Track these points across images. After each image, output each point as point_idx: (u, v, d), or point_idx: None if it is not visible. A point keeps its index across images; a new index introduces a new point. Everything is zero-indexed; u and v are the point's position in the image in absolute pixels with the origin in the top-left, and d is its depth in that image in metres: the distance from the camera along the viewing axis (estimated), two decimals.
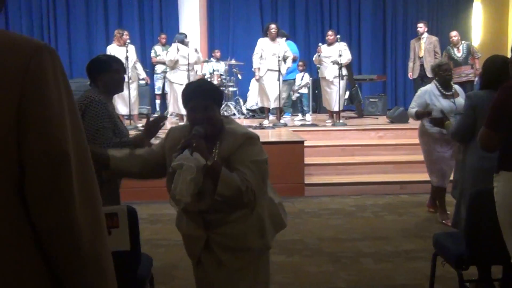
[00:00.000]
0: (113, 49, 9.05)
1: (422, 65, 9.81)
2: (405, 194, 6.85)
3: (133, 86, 9.07)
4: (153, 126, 3.26)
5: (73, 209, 1.04)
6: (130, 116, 9.03)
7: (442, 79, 5.33)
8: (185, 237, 2.55)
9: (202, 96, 2.35)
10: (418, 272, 4.16)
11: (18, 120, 1.02)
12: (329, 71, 9.01)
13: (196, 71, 9.42)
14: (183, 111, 8.97)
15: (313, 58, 9.47)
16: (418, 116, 5.32)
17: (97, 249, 1.09)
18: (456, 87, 5.54)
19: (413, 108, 5.43)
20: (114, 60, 3.36)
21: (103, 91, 3.19)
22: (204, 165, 2.20)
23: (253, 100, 10.76)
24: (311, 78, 10.46)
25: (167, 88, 10.90)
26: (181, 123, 9.07)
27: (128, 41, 9.09)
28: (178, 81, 8.96)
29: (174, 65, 9.08)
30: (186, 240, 2.56)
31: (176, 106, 9.13)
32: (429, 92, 5.36)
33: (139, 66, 9.42)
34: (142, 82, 10.05)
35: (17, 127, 1.02)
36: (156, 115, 11.19)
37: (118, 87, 3.31)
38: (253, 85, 10.54)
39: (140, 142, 3.15)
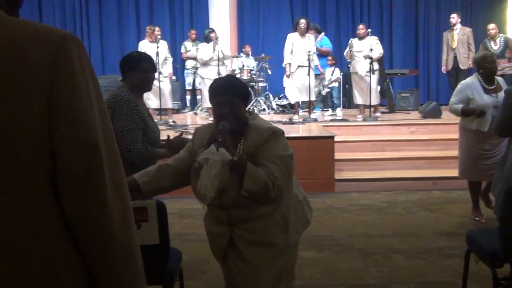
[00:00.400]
0: (144, 45, 9.15)
1: (455, 57, 9.63)
2: (438, 190, 6.74)
3: (166, 81, 9.14)
4: (177, 145, 3.24)
5: (106, 198, 1.05)
6: (160, 111, 9.11)
7: (487, 72, 5.10)
8: (209, 234, 2.55)
9: (227, 91, 2.36)
10: (451, 269, 4.08)
11: (49, 109, 1.02)
12: (360, 66, 8.93)
13: (226, 66, 9.42)
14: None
15: (344, 53, 9.39)
16: (465, 113, 5.11)
17: (128, 237, 1.10)
18: (499, 79, 5.30)
19: (455, 103, 5.20)
20: (145, 58, 3.36)
21: (131, 89, 3.21)
22: (230, 160, 2.20)
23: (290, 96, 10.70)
24: (341, 73, 10.36)
25: (197, 84, 10.99)
26: (211, 118, 9.11)
27: (159, 37, 9.16)
28: (209, 76, 8.99)
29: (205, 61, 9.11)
30: (210, 237, 2.56)
31: (205, 101, 9.19)
32: (471, 86, 5.15)
33: (169, 62, 9.49)
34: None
35: (48, 116, 1.02)
36: (186, 110, 11.28)
37: (145, 86, 3.31)
38: (286, 81, 10.50)
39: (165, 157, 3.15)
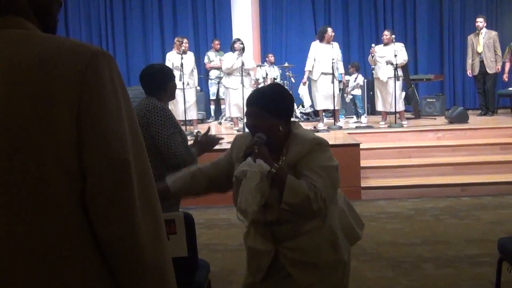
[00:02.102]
0: (172, 56, 9.25)
1: (481, 62, 9.49)
2: (467, 196, 6.63)
3: (191, 92, 9.22)
4: (207, 143, 3.30)
5: (135, 217, 1.04)
6: (185, 122, 9.19)
7: None
8: (250, 250, 2.42)
9: (251, 103, 2.29)
10: (483, 278, 4.00)
11: (78, 126, 1.02)
12: (382, 72, 8.87)
13: (250, 76, 9.44)
14: (236, 115, 9.05)
15: (368, 59, 9.35)
16: None
17: (159, 257, 1.08)
18: None
19: None
20: (167, 69, 3.44)
21: (159, 99, 3.25)
22: (269, 172, 2.13)
23: (307, 103, 10.71)
24: (365, 80, 10.30)
25: (221, 93, 11.05)
26: (235, 128, 9.14)
27: (183, 48, 9.25)
28: (232, 86, 9.02)
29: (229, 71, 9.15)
30: (252, 255, 2.42)
31: (229, 111, 9.21)
32: None
33: (195, 73, 9.56)
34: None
35: (77, 133, 1.02)
36: (210, 120, 11.34)
37: (172, 95, 3.39)
38: (301, 88, 10.51)
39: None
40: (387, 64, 8.75)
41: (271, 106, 2.27)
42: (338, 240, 2.29)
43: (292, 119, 2.34)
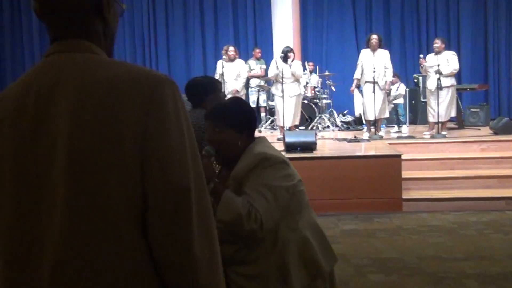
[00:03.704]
0: (218, 64, 9.33)
1: None
2: (511, 210, 6.47)
3: None
4: None
5: (193, 244, 1.06)
6: None
7: None
8: None
9: (213, 117, 2.23)
10: None
11: (142, 152, 1.05)
12: (431, 81, 8.75)
13: (299, 84, 9.39)
14: (282, 123, 9.05)
15: (421, 71, 9.23)
16: None
17: (213, 278, 1.11)
18: None
19: None
20: (215, 80, 3.49)
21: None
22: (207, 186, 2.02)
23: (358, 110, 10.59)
24: (407, 89, 10.18)
25: (261, 101, 11.10)
26: (281, 135, 9.12)
27: (227, 56, 9.31)
28: (277, 93, 9.04)
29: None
30: None
31: (277, 119, 9.22)
32: None
33: (240, 80, 9.61)
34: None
35: (140, 159, 1.05)
36: None
37: None
38: (356, 97, 10.42)
39: None
40: (435, 73, 8.60)
41: (229, 121, 2.19)
42: (290, 272, 2.07)
43: (258, 134, 2.26)
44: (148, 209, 1.06)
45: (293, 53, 8.95)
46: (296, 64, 8.93)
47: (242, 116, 2.23)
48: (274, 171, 2.08)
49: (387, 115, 9.29)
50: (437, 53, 8.76)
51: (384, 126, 10.47)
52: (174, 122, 1.08)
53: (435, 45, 8.79)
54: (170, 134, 1.07)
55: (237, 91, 9.90)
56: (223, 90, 8.73)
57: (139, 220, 1.07)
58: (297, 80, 8.96)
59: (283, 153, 6.85)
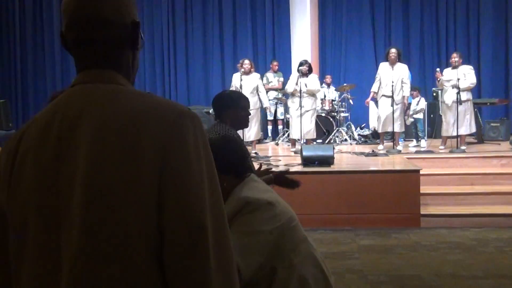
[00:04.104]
0: (235, 78, 9.31)
1: None
2: None
3: (253, 113, 9.23)
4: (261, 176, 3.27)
5: (209, 279, 1.05)
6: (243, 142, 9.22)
7: None
8: None
9: None
10: None
11: (160, 186, 1.04)
12: (448, 95, 8.68)
13: (316, 98, 9.36)
14: (295, 136, 9.05)
15: (438, 84, 9.17)
16: None
17: None
18: None
19: None
20: (242, 96, 3.41)
21: (231, 126, 3.24)
22: None
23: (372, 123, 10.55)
24: (426, 103, 10.12)
25: (279, 114, 11.12)
26: (292, 149, 9.13)
27: (242, 69, 9.32)
28: (293, 107, 9.04)
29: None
30: None
31: (291, 132, 9.21)
32: None
33: (262, 95, 9.53)
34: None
35: (158, 193, 1.04)
36: (267, 140, 11.39)
37: (244, 124, 3.35)
38: (371, 109, 10.38)
39: None
40: (452, 88, 8.54)
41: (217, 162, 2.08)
42: None
43: (248, 174, 2.18)
44: (164, 245, 1.05)
45: (308, 66, 8.95)
46: (312, 79, 8.95)
47: (228, 157, 2.15)
48: (257, 215, 2.02)
49: (402, 129, 9.23)
50: (454, 67, 8.71)
51: (402, 139, 10.36)
52: (194, 159, 1.07)
53: (454, 59, 8.72)
54: (189, 170, 1.06)
55: (268, 108, 9.88)
56: (249, 107, 8.70)
57: (156, 256, 1.06)
58: (313, 94, 8.98)
59: (300, 167, 6.90)
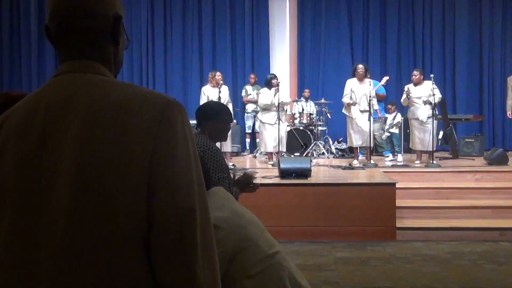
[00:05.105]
0: (207, 90, 9.40)
1: None
2: (506, 241, 6.44)
3: None
4: (245, 182, 3.29)
5: (196, 266, 1.06)
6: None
7: None
8: None
9: None
10: None
11: (149, 173, 1.05)
12: (422, 111, 8.79)
13: (286, 111, 9.46)
14: (271, 150, 9.06)
15: (402, 100, 9.21)
16: None
17: None
18: None
19: None
20: (224, 109, 3.41)
21: (209, 138, 3.25)
22: None
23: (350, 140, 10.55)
24: (402, 118, 10.23)
25: (257, 127, 11.13)
26: (270, 162, 9.14)
27: (221, 82, 9.35)
28: (268, 121, 9.07)
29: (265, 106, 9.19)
30: None
31: (265, 146, 9.21)
32: None
33: (230, 107, 9.64)
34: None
35: (147, 180, 1.05)
36: (245, 153, 11.39)
37: (223, 136, 3.36)
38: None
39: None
40: (425, 104, 8.67)
41: None
42: None
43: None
44: (152, 230, 1.06)
45: (277, 79, 9.02)
46: (283, 92, 9.04)
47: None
48: None
49: (371, 144, 9.28)
50: (416, 84, 8.85)
51: (388, 152, 10.16)
52: (182, 144, 1.09)
53: (415, 76, 8.89)
54: (178, 156, 1.08)
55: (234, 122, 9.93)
56: (231, 121, 8.72)
57: (143, 241, 1.06)
58: (282, 108, 9.04)
59: (277, 179, 6.89)
